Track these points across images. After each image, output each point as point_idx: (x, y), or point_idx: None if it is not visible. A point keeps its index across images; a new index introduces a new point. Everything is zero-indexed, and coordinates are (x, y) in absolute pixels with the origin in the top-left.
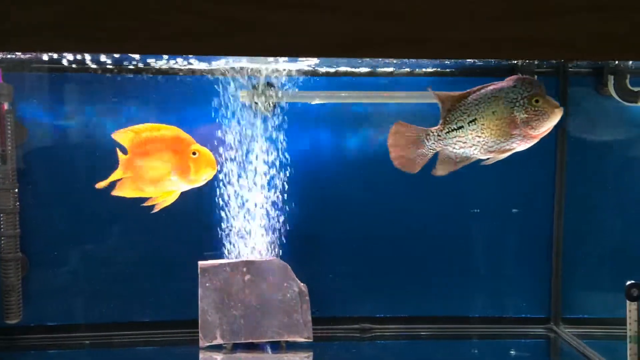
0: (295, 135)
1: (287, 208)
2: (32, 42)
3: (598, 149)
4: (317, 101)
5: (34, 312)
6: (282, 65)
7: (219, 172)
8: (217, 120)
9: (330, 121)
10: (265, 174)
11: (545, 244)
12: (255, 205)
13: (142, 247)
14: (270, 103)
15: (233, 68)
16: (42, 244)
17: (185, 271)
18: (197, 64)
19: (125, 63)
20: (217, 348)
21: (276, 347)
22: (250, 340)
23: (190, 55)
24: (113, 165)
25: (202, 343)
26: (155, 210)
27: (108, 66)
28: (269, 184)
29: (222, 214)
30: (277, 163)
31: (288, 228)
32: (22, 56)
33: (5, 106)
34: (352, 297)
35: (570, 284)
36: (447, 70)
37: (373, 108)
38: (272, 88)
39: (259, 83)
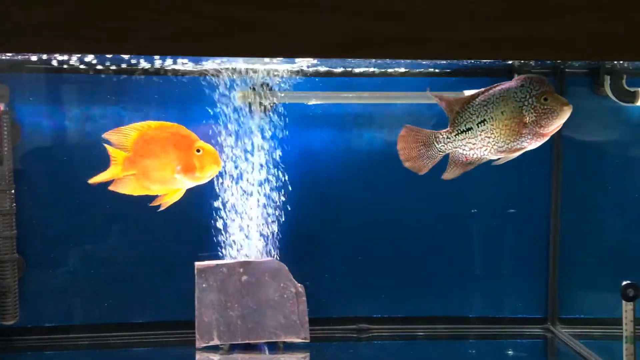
0: (292, 136)
1: (284, 208)
2: (32, 42)
3: (594, 149)
4: (313, 102)
5: (31, 313)
6: (278, 66)
7: None
8: (212, 120)
9: (328, 121)
10: (262, 175)
11: (542, 244)
12: (252, 205)
13: (139, 247)
14: (267, 103)
15: (227, 68)
16: (38, 245)
17: (181, 272)
18: (192, 65)
19: (123, 64)
20: (214, 349)
21: (273, 347)
22: (247, 341)
23: (190, 56)
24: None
25: (199, 344)
26: (162, 209)
27: (105, 66)
28: (265, 184)
29: (219, 214)
30: (274, 163)
31: (285, 228)
32: (18, 57)
33: (2, 107)
34: (349, 297)
35: (567, 284)
36: (444, 70)
37: (372, 108)
38: (268, 89)
39: (255, 83)
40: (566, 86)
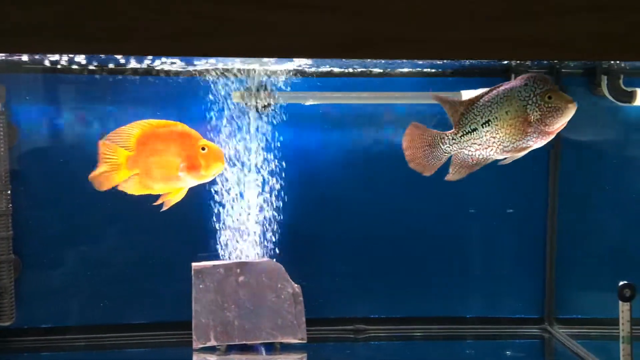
0: (290, 136)
1: (281, 208)
2: (32, 42)
3: (592, 149)
4: (310, 102)
5: (27, 314)
6: (275, 66)
7: None
8: (210, 120)
9: (327, 121)
10: (259, 175)
11: (539, 244)
12: (250, 206)
13: (136, 248)
14: (264, 103)
15: (225, 68)
16: (34, 245)
17: (179, 273)
18: (185, 64)
19: (120, 63)
20: (211, 350)
21: (270, 348)
22: (244, 342)
23: (190, 56)
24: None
25: (196, 345)
26: (165, 208)
27: (101, 66)
28: (263, 184)
29: (216, 215)
30: (272, 163)
31: (282, 229)
32: (14, 57)
33: None
34: (346, 298)
35: (564, 284)
36: (440, 70)
37: (371, 108)
38: (265, 88)
39: (252, 83)
40: (563, 86)
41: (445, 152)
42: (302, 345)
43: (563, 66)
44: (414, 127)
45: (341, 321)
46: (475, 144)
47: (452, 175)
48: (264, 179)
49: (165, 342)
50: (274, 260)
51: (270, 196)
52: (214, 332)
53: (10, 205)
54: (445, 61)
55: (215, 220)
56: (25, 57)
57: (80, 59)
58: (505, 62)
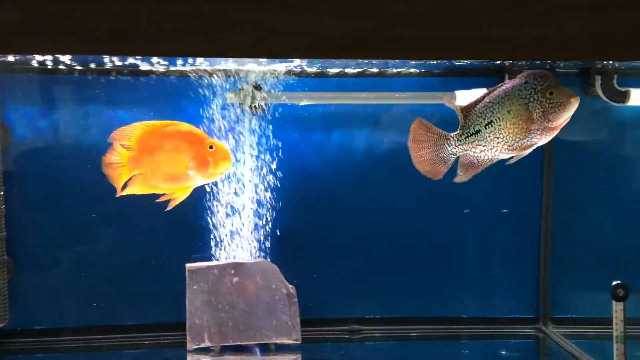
0: (284, 136)
1: (276, 209)
2: (31, 42)
3: (586, 149)
4: (305, 102)
5: (21, 316)
6: (270, 66)
7: None
8: (204, 121)
9: (322, 122)
10: (253, 175)
11: (534, 245)
12: (244, 206)
13: (130, 250)
14: (258, 104)
15: (219, 69)
16: (28, 247)
17: (173, 274)
18: (182, 65)
19: (114, 64)
20: (205, 351)
21: (265, 349)
22: (239, 343)
23: (190, 57)
24: (101, 166)
25: (190, 346)
26: (170, 207)
27: (97, 67)
28: (257, 185)
29: (210, 215)
30: (266, 164)
31: (277, 229)
32: (6, 57)
33: None
34: (341, 298)
35: (559, 284)
36: (434, 71)
37: (366, 109)
38: (259, 89)
39: (247, 84)
40: None
41: (452, 154)
42: (296, 346)
43: (556, 66)
44: (420, 122)
45: (336, 321)
46: (480, 145)
47: (460, 177)
48: (258, 179)
49: (160, 344)
50: (268, 260)
51: (265, 196)
52: (208, 333)
53: (4, 206)
54: (438, 61)
55: (209, 220)
56: (12, 58)
57: (76, 59)
58: (498, 62)
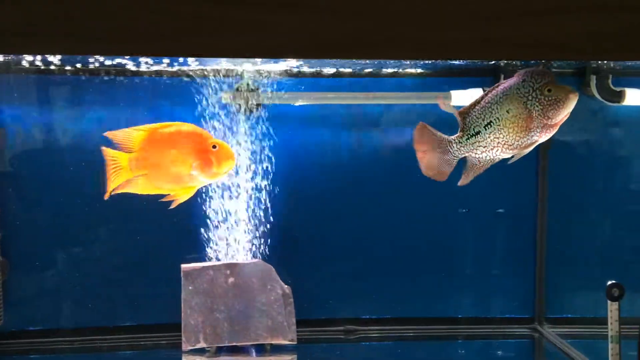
0: (279, 137)
1: (271, 209)
2: (30, 42)
3: (581, 149)
4: (300, 102)
5: (15, 317)
6: (264, 66)
7: None
8: (199, 121)
9: (316, 122)
10: (249, 176)
11: (529, 244)
12: (239, 206)
13: (125, 250)
14: (253, 104)
15: (214, 69)
16: (22, 247)
17: (168, 274)
18: (176, 65)
19: (109, 63)
20: (201, 351)
21: (260, 350)
22: (234, 343)
23: (188, 56)
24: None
25: (185, 346)
26: (173, 206)
27: (92, 67)
28: (252, 185)
29: (205, 216)
30: (261, 164)
31: (272, 229)
32: (2, 57)
33: None
34: (337, 298)
35: (554, 283)
36: (430, 70)
37: (361, 109)
38: (253, 89)
39: (241, 84)
40: None
41: (455, 157)
42: (292, 347)
43: (551, 66)
44: (423, 127)
45: (332, 322)
46: (480, 146)
47: (463, 180)
48: (253, 180)
49: (155, 344)
50: (262, 260)
51: (260, 196)
52: (203, 333)
53: None
54: (433, 61)
55: (204, 221)
56: (1, 57)
57: (70, 59)
58: (492, 62)
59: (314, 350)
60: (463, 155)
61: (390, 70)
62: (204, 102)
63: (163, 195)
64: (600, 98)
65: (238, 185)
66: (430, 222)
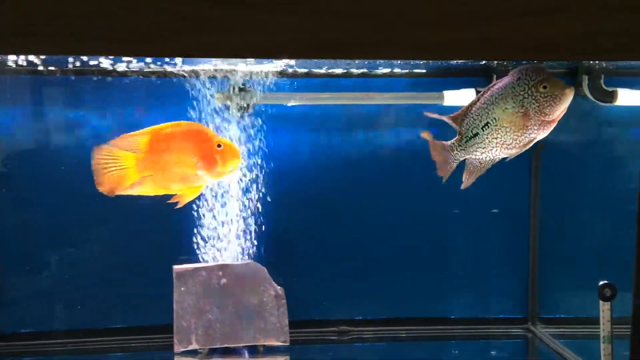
0: (272, 137)
1: (264, 210)
2: (31, 42)
3: (573, 149)
4: (292, 103)
5: (8, 319)
6: (258, 67)
7: None
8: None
9: (309, 123)
10: (242, 176)
11: (522, 245)
12: (232, 207)
13: (117, 252)
14: (245, 105)
15: (205, 70)
16: (15, 250)
17: (160, 276)
18: (169, 66)
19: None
20: (193, 353)
21: (253, 351)
22: (227, 345)
23: (177, 57)
24: (89, 168)
25: (177, 348)
26: (179, 206)
27: (86, 68)
28: (245, 186)
29: (198, 217)
30: (253, 165)
31: (265, 230)
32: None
33: None
34: (330, 299)
35: (547, 284)
36: (421, 71)
37: (353, 109)
38: (246, 89)
39: (233, 84)
40: None
41: (456, 159)
42: (285, 348)
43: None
44: (432, 141)
45: (325, 323)
46: (480, 147)
47: (465, 182)
48: (246, 180)
49: (147, 346)
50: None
51: (253, 197)
52: (195, 335)
53: None
54: (424, 62)
55: (197, 222)
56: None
57: (62, 59)
58: (482, 62)
59: (307, 352)
60: (463, 158)
61: (382, 71)
62: (194, 102)
63: (169, 196)
64: (593, 98)
65: (231, 186)
66: (423, 223)
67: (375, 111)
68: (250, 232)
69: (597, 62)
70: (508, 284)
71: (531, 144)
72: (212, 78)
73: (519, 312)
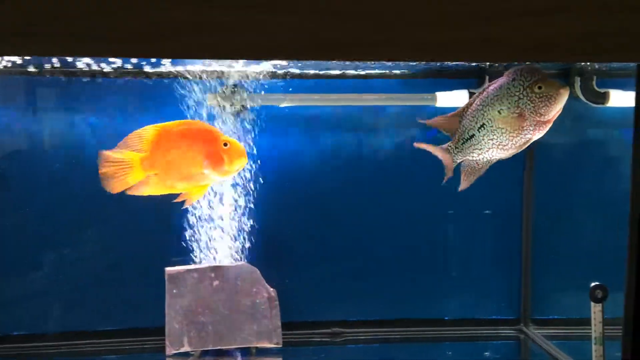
0: (265, 138)
1: (257, 211)
2: (31, 42)
3: (566, 150)
4: (285, 104)
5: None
6: (250, 68)
7: None
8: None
9: (303, 124)
10: (234, 178)
11: (515, 246)
12: (225, 209)
13: (109, 254)
14: (238, 106)
15: (198, 70)
16: (7, 252)
17: (152, 278)
18: (164, 67)
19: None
20: (185, 355)
21: (245, 353)
22: (219, 347)
23: (171, 58)
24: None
25: (169, 351)
26: (186, 206)
27: (82, 69)
28: (238, 187)
29: (190, 218)
30: (246, 166)
31: (257, 232)
32: None
33: None
34: (322, 301)
35: (540, 285)
36: (414, 72)
37: (347, 110)
38: (238, 90)
39: (226, 85)
40: None
41: (454, 162)
42: (278, 350)
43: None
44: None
45: (318, 324)
46: (476, 149)
47: (463, 184)
48: (239, 182)
49: (139, 349)
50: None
51: (246, 199)
52: (187, 337)
53: None
54: (419, 63)
55: (189, 223)
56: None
57: (53, 60)
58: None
59: (300, 353)
60: (460, 160)
61: (375, 72)
62: (186, 103)
63: (170, 197)
64: (585, 99)
65: (224, 187)
66: (415, 224)
67: (374, 111)
68: (243, 234)
69: (589, 63)
70: (500, 285)
71: (527, 145)
72: (201, 79)
73: (512, 313)
